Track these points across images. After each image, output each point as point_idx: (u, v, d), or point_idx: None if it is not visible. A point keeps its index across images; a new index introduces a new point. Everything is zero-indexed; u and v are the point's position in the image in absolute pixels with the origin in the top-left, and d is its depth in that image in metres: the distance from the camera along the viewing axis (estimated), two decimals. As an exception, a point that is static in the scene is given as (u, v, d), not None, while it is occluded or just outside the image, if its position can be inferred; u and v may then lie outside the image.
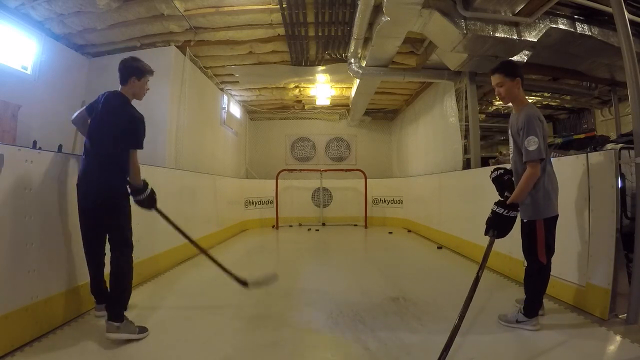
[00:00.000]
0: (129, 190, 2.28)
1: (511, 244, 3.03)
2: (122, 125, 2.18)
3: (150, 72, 2.39)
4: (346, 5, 4.28)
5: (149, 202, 2.37)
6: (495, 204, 2.16)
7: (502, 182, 2.36)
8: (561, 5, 3.71)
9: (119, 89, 2.30)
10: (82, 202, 2.21)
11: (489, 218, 2.16)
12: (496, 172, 2.46)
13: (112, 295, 2.15)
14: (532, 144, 2.06)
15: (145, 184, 2.36)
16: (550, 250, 2.22)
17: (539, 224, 2.18)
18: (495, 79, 2.28)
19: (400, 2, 3.33)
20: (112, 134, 2.16)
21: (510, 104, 2.35)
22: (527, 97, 2.32)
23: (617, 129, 5.97)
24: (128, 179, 2.25)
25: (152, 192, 2.40)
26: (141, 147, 2.27)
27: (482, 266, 2.07)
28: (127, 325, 2.08)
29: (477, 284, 2.00)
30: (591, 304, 2.41)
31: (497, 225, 2.12)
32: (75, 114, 2.35)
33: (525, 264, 2.32)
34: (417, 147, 7.61)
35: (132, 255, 2.26)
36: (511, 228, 2.13)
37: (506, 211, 2.09)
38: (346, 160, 9.66)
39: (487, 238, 2.18)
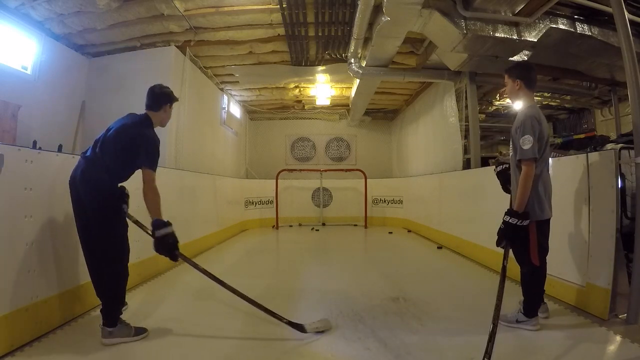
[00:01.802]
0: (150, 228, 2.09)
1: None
2: (136, 142, 2.12)
3: (175, 100, 2.45)
4: (346, 5, 4.28)
5: (165, 245, 2.05)
6: (507, 214, 2.10)
7: (507, 176, 2.39)
8: (561, 5, 3.70)
9: (146, 112, 2.30)
10: (75, 201, 2.10)
11: (500, 229, 2.11)
12: (501, 166, 2.50)
13: (102, 302, 2.11)
14: (526, 142, 2.06)
15: (167, 223, 2.08)
16: (543, 251, 2.22)
17: (531, 227, 2.15)
18: (505, 79, 2.39)
19: (400, 2, 3.33)
20: (122, 148, 2.12)
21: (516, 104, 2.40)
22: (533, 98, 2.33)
23: (617, 129, 5.96)
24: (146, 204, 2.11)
25: (172, 236, 2.08)
26: (154, 169, 2.14)
27: (502, 280, 2.00)
28: (120, 330, 2.07)
29: (501, 299, 1.94)
30: (591, 304, 2.41)
31: (511, 236, 2.08)
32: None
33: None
34: (417, 147, 7.61)
35: (120, 265, 2.15)
36: (524, 236, 2.10)
37: (519, 221, 2.04)
38: (346, 160, 9.66)
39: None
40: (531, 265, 2.17)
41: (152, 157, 2.16)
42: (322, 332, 2.24)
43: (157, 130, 2.33)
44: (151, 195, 2.10)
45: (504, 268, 2.06)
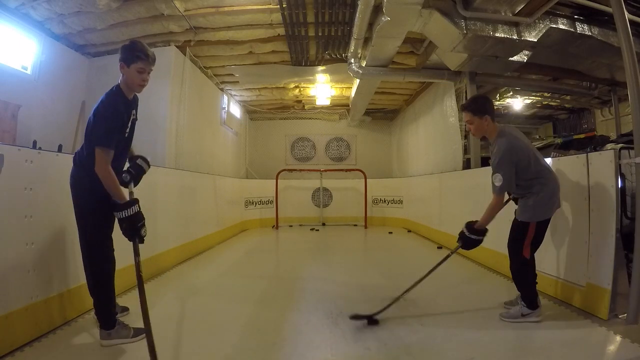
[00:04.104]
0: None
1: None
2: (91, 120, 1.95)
3: (142, 58, 1.99)
4: (346, 5, 4.28)
5: (129, 227, 1.92)
6: (465, 224, 2.35)
7: None
8: (561, 5, 3.71)
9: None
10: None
11: (460, 232, 2.37)
12: None
13: (95, 304, 2.09)
14: (497, 180, 2.21)
15: (130, 202, 1.91)
16: (536, 244, 2.31)
17: (532, 226, 2.26)
18: (465, 117, 2.46)
19: (400, 2, 3.33)
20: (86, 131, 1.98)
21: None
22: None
23: (617, 129, 5.96)
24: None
25: (136, 216, 1.93)
26: (105, 145, 1.86)
27: (438, 264, 2.49)
28: (118, 331, 2.05)
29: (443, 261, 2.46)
30: (591, 303, 2.40)
31: (462, 241, 2.36)
32: None
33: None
34: (417, 147, 7.61)
35: (107, 264, 2.11)
36: (474, 247, 2.34)
37: (469, 233, 2.30)
38: (346, 160, 9.66)
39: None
40: (522, 257, 2.29)
41: (100, 129, 1.87)
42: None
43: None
44: (103, 178, 1.87)
45: (446, 257, 2.45)
